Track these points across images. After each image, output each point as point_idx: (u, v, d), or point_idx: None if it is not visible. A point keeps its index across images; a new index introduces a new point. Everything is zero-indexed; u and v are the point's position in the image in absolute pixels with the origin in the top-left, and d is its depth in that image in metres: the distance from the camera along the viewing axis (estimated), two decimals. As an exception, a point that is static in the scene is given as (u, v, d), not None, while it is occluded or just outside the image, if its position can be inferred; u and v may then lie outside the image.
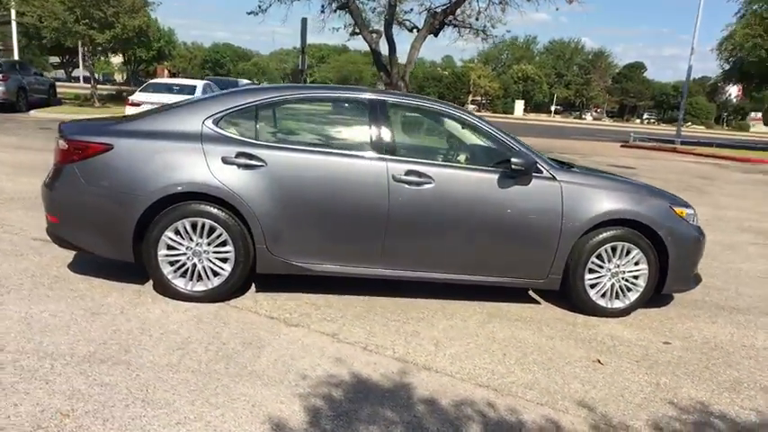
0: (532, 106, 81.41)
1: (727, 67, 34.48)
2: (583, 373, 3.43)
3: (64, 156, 3.90)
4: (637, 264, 4.28)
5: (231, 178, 3.84)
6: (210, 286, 3.96)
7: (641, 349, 3.85)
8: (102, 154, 3.82)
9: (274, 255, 3.96)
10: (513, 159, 4.01)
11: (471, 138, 4.45)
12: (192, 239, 3.89)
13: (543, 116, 77.51)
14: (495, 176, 4.09)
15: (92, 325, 3.47)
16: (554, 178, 4.14)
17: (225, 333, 3.53)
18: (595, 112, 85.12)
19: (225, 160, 3.86)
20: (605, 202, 4.18)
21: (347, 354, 3.41)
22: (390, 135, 4.11)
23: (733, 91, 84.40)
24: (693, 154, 24.29)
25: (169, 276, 3.92)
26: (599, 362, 3.60)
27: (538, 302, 4.59)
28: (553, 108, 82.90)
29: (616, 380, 3.38)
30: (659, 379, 3.43)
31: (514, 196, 4.09)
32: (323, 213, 3.95)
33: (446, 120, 4.51)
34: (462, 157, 4.41)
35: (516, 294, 4.59)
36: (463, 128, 4.44)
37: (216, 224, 3.87)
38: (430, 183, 3.97)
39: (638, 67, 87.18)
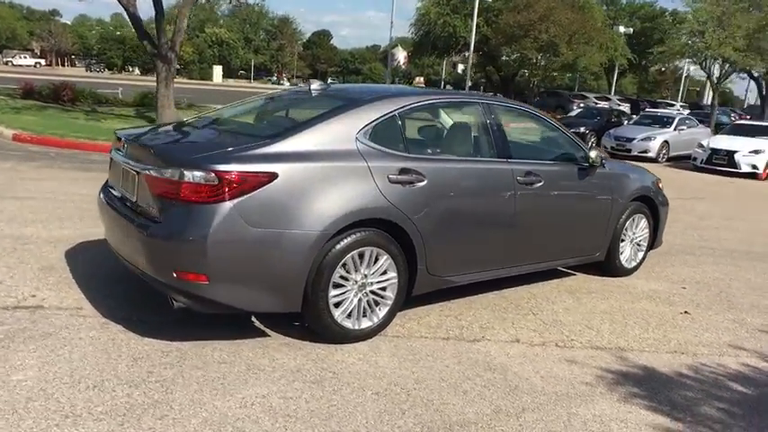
0: (229, 72, 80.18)
1: (416, 38, 39.97)
2: (686, 322, 4.33)
3: (206, 192, 3.00)
4: (644, 229, 5.37)
5: (399, 198, 3.52)
6: (376, 320, 3.60)
7: (681, 297, 4.96)
8: (266, 185, 3.08)
9: (431, 274, 3.80)
10: (592, 155, 4.60)
11: (548, 135, 4.84)
12: (358, 272, 3.46)
13: (243, 82, 77.23)
14: (575, 169, 4.62)
15: (307, 398, 2.92)
16: (604, 166, 4.87)
17: (454, 366, 3.36)
18: (294, 78, 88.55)
19: (390, 179, 3.50)
20: (633, 184, 5.12)
21: (558, 354, 3.63)
22: (505, 138, 4.26)
23: (401, 58, 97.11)
24: None
25: (339, 319, 3.43)
26: (687, 312, 4.55)
27: (575, 275, 5.33)
28: (244, 72, 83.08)
29: (703, 320, 4.37)
30: (713, 313, 4.56)
31: (588, 185, 4.70)
32: (471, 223, 3.94)
33: (531, 120, 4.79)
34: (549, 155, 4.78)
35: (551, 274, 5.17)
36: (542, 127, 4.80)
37: (381, 250, 3.52)
38: (540, 181, 4.28)
39: (324, 35, 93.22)
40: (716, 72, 23.06)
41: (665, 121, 18.24)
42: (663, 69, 49.48)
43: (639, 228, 5.32)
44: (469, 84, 34.95)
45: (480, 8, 30.90)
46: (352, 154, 3.42)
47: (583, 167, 4.66)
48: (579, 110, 24.71)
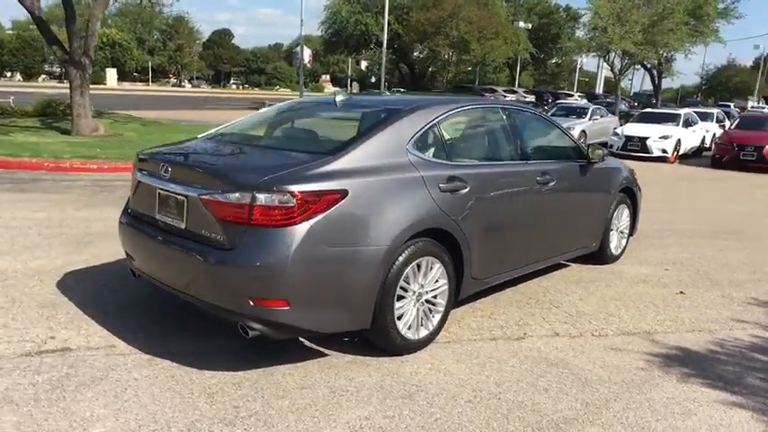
0: (123, 75, 75.67)
1: (326, 36, 39.86)
2: (686, 302, 4.72)
3: (281, 214, 2.90)
4: (627, 218, 5.76)
5: (448, 206, 3.57)
6: (431, 328, 3.64)
7: (668, 278, 5.37)
8: (338, 203, 3.02)
9: (474, 278, 3.89)
10: (596, 152, 4.88)
11: (551, 135, 5.04)
12: (416, 282, 3.49)
13: (140, 85, 73.29)
14: (578, 166, 4.87)
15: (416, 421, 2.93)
16: (600, 162, 5.16)
17: (518, 366, 3.47)
18: (195, 79, 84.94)
19: (441, 188, 3.55)
20: (620, 176, 5.48)
21: (599, 343, 3.84)
22: (524, 141, 4.41)
23: (306, 56, 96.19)
24: None
25: (402, 331, 3.43)
26: (682, 293, 4.94)
27: (570, 266, 5.61)
28: (138, 75, 78.73)
29: (697, 299, 4.78)
30: (700, 290, 5.01)
31: (589, 181, 4.98)
32: (504, 225, 4.06)
33: (537, 122, 4.95)
34: (556, 154, 4.96)
35: (552, 266, 5.40)
36: (546, 127, 4.99)
37: (435, 259, 3.56)
38: (552, 180, 4.49)
39: (225, 34, 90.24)
40: (617, 64, 24.83)
41: (579, 112, 19.40)
42: (559, 62, 52.56)
43: (624, 217, 5.70)
44: (384, 81, 35.36)
45: (390, 6, 31.34)
46: (405, 166, 3.43)
47: (584, 164, 4.92)
48: None
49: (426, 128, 3.67)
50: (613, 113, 22.59)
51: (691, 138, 17.38)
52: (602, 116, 19.79)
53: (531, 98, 36.73)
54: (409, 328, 3.47)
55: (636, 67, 27.69)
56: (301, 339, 3.59)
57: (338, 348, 3.54)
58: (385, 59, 35.47)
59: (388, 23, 33.00)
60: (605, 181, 5.27)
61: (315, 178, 3.01)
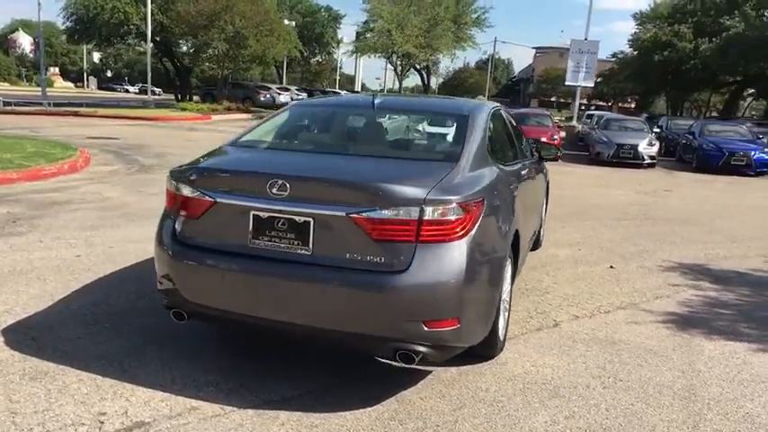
0: None
1: (71, 23, 34.89)
2: (623, 275, 5.62)
3: (450, 228, 2.74)
4: (545, 204, 6.54)
5: (516, 205, 3.72)
6: (504, 325, 3.76)
7: (588, 256, 6.28)
8: (482, 212, 2.95)
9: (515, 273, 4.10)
10: (553, 151, 5.44)
11: (521, 134, 5.38)
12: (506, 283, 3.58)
13: None
14: (533, 162, 5.36)
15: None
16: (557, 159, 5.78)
17: (597, 350, 3.79)
18: None
19: (511, 188, 3.69)
20: (544, 168, 6.18)
21: (618, 319, 4.39)
22: (519, 140, 4.72)
23: (26, 45, 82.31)
24: (101, 117, 23.76)
25: (500, 334, 3.50)
26: (612, 267, 5.84)
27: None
28: None
29: (627, 271, 5.73)
30: (624, 260, 6.02)
31: (541, 174, 5.55)
32: (524, 219, 4.25)
33: (505, 123, 5.19)
34: (525, 152, 5.25)
35: None
36: (514, 130, 5.33)
37: (509, 260, 3.68)
38: (530, 176, 4.84)
39: None
40: (399, 66, 26.88)
41: None
42: (321, 61, 54.42)
43: (545, 204, 6.44)
44: (150, 75, 32.40)
45: (154, -6, 28.93)
46: (493, 168, 3.48)
47: (537, 162, 5.44)
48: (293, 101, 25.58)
49: (487, 131, 3.74)
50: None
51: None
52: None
53: (304, 95, 37.51)
54: (501, 330, 3.54)
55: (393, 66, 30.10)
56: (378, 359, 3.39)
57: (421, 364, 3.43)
58: (150, 52, 32.56)
59: (151, 13, 30.36)
60: (545, 173, 5.91)
61: (464, 188, 2.91)
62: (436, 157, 3.28)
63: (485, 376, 3.31)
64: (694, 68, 30.41)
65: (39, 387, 2.99)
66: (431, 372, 3.31)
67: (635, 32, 38.34)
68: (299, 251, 2.80)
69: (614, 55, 41.73)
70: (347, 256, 2.74)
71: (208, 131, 19.94)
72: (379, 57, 27.79)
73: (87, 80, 78.83)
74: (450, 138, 3.43)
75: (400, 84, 29.02)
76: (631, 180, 13.51)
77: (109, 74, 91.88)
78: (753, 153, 15.59)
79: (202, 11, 29.96)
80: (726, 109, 36.57)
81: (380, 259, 2.70)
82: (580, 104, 32.36)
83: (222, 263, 2.91)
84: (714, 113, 41.93)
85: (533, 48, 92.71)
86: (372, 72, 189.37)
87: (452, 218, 2.73)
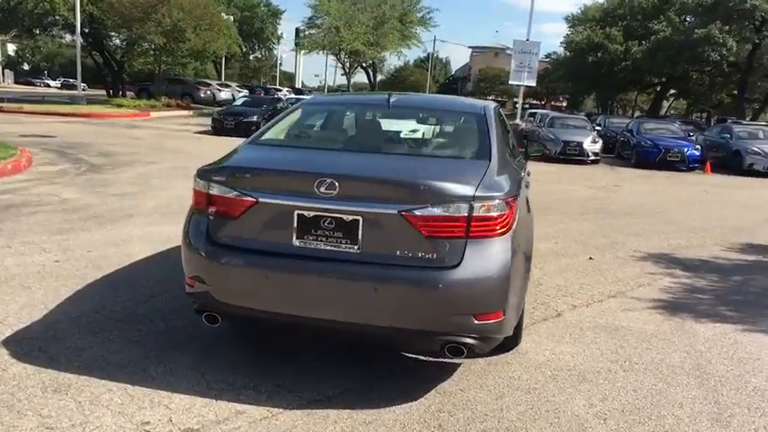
0: None
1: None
2: (603, 265, 5.91)
3: (495, 223, 2.82)
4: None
5: None
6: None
7: (566, 248, 6.55)
8: (518, 207, 3.06)
9: None
10: (539, 148, 5.63)
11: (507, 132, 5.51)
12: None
13: None
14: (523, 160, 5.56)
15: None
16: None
17: (605, 337, 3.99)
18: None
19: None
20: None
21: (611, 307, 4.63)
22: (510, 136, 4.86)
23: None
24: (28, 113, 22.43)
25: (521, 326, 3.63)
26: (591, 258, 6.12)
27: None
28: None
29: (606, 261, 6.03)
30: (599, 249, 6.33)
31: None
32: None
33: (504, 121, 5.33)
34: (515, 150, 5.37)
35: None
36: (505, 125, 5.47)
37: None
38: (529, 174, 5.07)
39: None
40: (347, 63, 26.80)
41: None
42: (260, 57, 53.44)
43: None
44: (79, 69, 30.79)
45: (82, -16, 27.55)
46: (513, 166, 3.60)
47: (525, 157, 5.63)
48: (244, 98, 24.98)
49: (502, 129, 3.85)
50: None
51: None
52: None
53: (246, 92, 36.76)
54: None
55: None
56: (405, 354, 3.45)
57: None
58: (79, 45, 30.93)
59: (81, 3, 28.87)
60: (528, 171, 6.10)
61: (503, 184, 3.00)
62: (468, 155, 3.35)
63: (512, 366, 3.43)
64: (625, 69, 32.05)
65: (67, 400, 2.86)
66: (460, 364, 3.39)
67: (567, 34, 39.97)
68: (346, 249, 2.81)
69: (548, 55, 43.35)
70: (397, 252, 2.77)
71: (150, 129, 19.25)
72: (325, 53, 27.68)
73: (3, 74, 73.94)
74: (474, 136, 3.50)
75: (348, 81, 28.99)
76: (581, 176, 14.11)
77: (26, 67, 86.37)
78: (686, 149, 16.61)
79: (137, 2, 28.75)
80: (652, 108, 38.72)
81: (432, 255, 2.75)
82: (515, 102, 33.42)
83: (264, 263, 2.88)
84: (638, 112, 44.34)
85: (470, 47, 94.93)
86: (311, 69, 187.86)
87: (497, 213, 2.81)
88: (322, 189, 2.78)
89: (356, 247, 2.80)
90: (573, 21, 41.37)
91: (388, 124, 3.90)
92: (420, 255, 2.75)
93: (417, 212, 2.73)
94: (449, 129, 3.76)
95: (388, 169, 3.10)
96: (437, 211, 2.73)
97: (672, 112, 49.16)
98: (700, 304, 4.79)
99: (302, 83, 53.55)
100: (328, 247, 2.83)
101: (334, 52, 25.76)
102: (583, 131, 17.99)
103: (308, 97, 22.98)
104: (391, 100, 3.85)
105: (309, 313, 2.88)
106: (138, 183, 9.18)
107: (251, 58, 51.82)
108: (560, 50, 42.64)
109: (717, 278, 5.62)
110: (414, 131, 4.01)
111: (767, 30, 25.22)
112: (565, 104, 57.33)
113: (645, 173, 15.61)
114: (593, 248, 6.56)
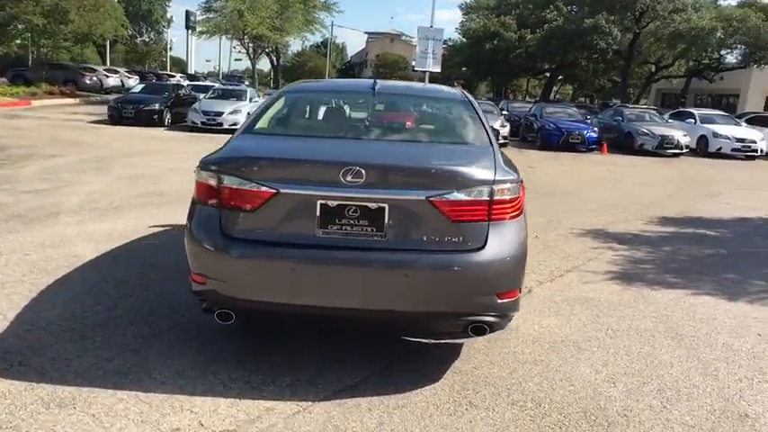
0: None
1: None
2: (551, 243, 6.30)
3: (513, 205, 2.95)
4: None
5: None
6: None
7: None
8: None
9: None
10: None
11: None
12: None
13: None
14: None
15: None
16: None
17: (581, 310, 4.27)
18: None
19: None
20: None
21: (573, 281, 4.96)
22: None
23: None
24: None
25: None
26: (537, 237, 6.49)
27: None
28: None
29: (552, 238, 6.43)
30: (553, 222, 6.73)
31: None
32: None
33: None
34: None
35: None
36: None
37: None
38: None
39: None
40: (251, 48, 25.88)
41: (238, 95, 19.77)
42: (149, 41, 50.27)
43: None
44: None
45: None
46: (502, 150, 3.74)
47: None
48: (141, 85, 23.36)
49: None
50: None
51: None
52: (252, 98, 20.59)
53: (136, 78, 34.61)
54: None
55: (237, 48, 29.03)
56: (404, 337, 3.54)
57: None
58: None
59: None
60: None
61: (512, 169, 3.11)
62: (471, 140, 3.42)
63: (510, 341, 3.59)
64: (520, 56, 33.68)
65: (78, 414, 2.65)
66: (462, 344, 3.50)
67: (462, 22, 41.28)
68: (373, 237, 2.81)
69: (445, 42, 44.51)
70: (424, 238, 2.81)
71: (35, 119, 17.56)
72: (219, 38, 26.47)
73: None
74: (470, 122, 3.58)
75: (254, 67, 28.07)
76: (496, 158, 14.75)
77: None
78: (585, 132, 17.85)
79: (10, -21, 26.03)
80: (544, 93, 41.06)
81: (458, 239, 2.82)
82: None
83: (289, 255, 2.81)
84: (528, 97, 46.84)
85: (366, 33, 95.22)
86: (203, 54, 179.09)
87: (513, 196, 2.93)
88: (348, 178, 2.76)
89: (382, 234, 2.81)
90: (467, 8, 42.74)
91: (390, 112, 3.91)
92: (447, 239, 2.81)
93: (444, 198, 2.78)
94: (444, 115, 3.81)
95: (411, 157, 3.13)
96: (462, 195, 2.80)
97: (558, 96, 52.43)
98: (647, 273, 5.25)
99: (194, 69, 51.15)
100: (353, 236, 2.81)
101: (238, 37, 24.83)
102: (491, 116, 18.68)
103: (206, 83, 21.95)
104: (377, 87, 3.85)
105: (336, 303, 2.86)
106: (49, 178, 8.44)
107: (138, 41, 48.67)
108: (456, 37, 43.96)
109: (650, 249, 6.16)
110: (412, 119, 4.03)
111: (645, 20, 27.57)
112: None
113: (551, 155, 16.59)
114: (535, 227, 6.92)
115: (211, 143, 14.66)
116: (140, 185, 8.11)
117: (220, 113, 17.76)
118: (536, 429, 2.67)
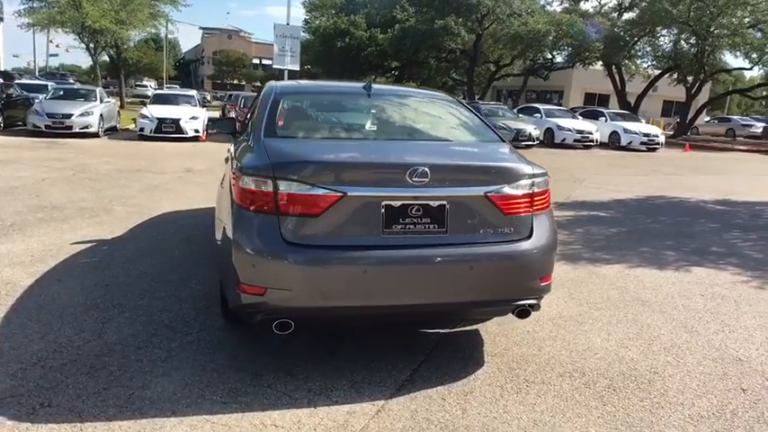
0: None
1: None
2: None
3: (546, 196, 3.22)
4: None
5: None
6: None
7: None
8: None
9: None
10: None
11: None
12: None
13: None
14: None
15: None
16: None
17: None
18: None
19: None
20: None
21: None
22: None
23: None
24: None
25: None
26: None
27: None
28: None
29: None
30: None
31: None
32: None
33: None
34: None
35: None
36: None
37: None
38: None
39: None
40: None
41: (85, 95, 17.91)
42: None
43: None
44: None
45: None
46: None
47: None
48: None
49: None
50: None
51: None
52: (103, 99, 18.84)
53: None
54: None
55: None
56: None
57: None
58: None
59: None
60: None
61: (536, 163, 3.39)
62: (488, 139, 3.61)
63: (516, 322, 3.85)
64: (371, 55, 34.59)
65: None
66: (476, 329, 3.72)
67: (305, 20, 41.28)
68: (435, 234, 2.91)
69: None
70: (481, 231, 2.99)
71: None
72: (66, 31, 23.41)
73: None
74: (476, 122, 3.78)
75: (95, 63, 25.32)
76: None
77: None
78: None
79: None
80: (395, 90, 42.44)
81: (510, 230, 3.03)
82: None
83: (358, 257, 2.81)
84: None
85: (201, 28, 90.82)
86: (9, 49, 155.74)
87: (546, 188, 3.22)
88: (414, 178, 2.83)
89: (444, 230, 2.93)
90: (310, 6, 42.74)
91: (407, 113, 4.01)
92: (501, 230, 3.02)
93: (499, 192, 2.98)
94: (453, 115, 3.95)
95: (464, 155, 3.29)
96: (512, 189, 3.02)
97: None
98: (581, 253, 5.90)
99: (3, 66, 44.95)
100: (416, 234, 2.90)
101: (76, 30, 22.30)
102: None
103: (40, 82, 19.47)
104: (373, 87, 3.91)
105: (405, 300, 2.93)
106: None
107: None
108: (302, 35, 43.72)
109: (567, 232, 6.87)
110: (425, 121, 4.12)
111: (486, 23, 29.90)
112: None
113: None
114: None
115: (70, 149, 13.49)
116: (21, 199, 7.15)
117: (69, 116, 16.04)
118: (596, 395, 2.99)
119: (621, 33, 26.81)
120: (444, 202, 2.91)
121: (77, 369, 3.04)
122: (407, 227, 2.89)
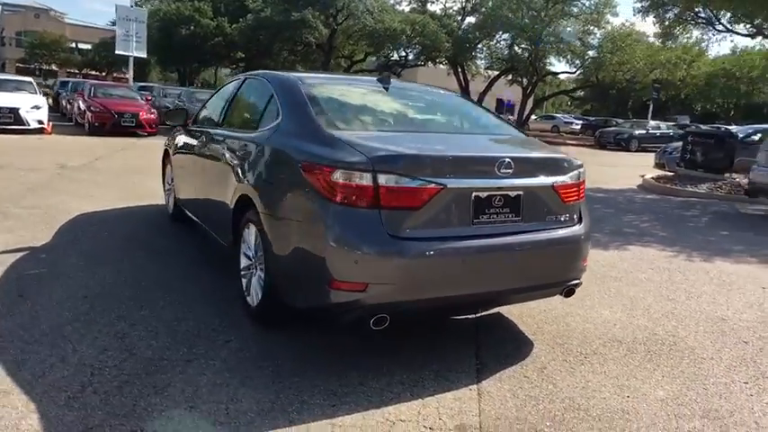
0: None
1: None
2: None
3: (584, 184, 3.55)
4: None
5: None
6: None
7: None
8: None
9: None
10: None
11: None
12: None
13: None
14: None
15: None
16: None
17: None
18: None
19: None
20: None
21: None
22: None
23: None
24: None
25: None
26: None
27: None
28: None
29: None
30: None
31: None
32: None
33: None
34: None
35: None
36: None
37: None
38: None
39: None
40: None
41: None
42: None
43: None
44: None
45: None
46: None
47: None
48: None
49: None
50: None
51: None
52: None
53: None
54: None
55: None
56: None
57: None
58: None
59: None
60: None
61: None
62: (515, 132, 3.85)
63: (530, 303, 4.14)
64: (218, 45, 33.08)
65: None
66: (498, 312, 3.94)
67: (137, 2, 38.27)
68: (512, 222, 3.08)
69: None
70: (547, 218, 3.21)
71: None
72: None
73: None
74: (488, 114, 4.04)
75: None
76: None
77: None
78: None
79: None
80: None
81: (567, 217, 3.30)
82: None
83: (458, 248, 2.87)
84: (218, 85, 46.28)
85: (1, 4, 79.16)
86: None
87: (585, 178, 3.53)
88: (502, 170, 2.97)
89: (520, 218, 3.10)
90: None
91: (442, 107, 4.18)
92: (561, 217, 3.27)
93: (562, 182, 3.23)
94: (478, 111, 4.17)
95: (531, 149, 3.46)
96: (570, 179, 3.29)
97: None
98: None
99: None
100: (498, 223, 3.04)
101: None
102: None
103: None
104: (393, 84, 3.97)
105: (493, 287, 3.06)
106: None
107: None
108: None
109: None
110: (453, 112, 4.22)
111: (342, 17, 30.19)
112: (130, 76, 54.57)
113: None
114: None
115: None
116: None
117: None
118: (645, 359, 3.38)
119: (469, 35, 28.95)
120: (521, 192, 3.08)
121: (139, 391, 2.69)
122: (491, 216, 3.01)
